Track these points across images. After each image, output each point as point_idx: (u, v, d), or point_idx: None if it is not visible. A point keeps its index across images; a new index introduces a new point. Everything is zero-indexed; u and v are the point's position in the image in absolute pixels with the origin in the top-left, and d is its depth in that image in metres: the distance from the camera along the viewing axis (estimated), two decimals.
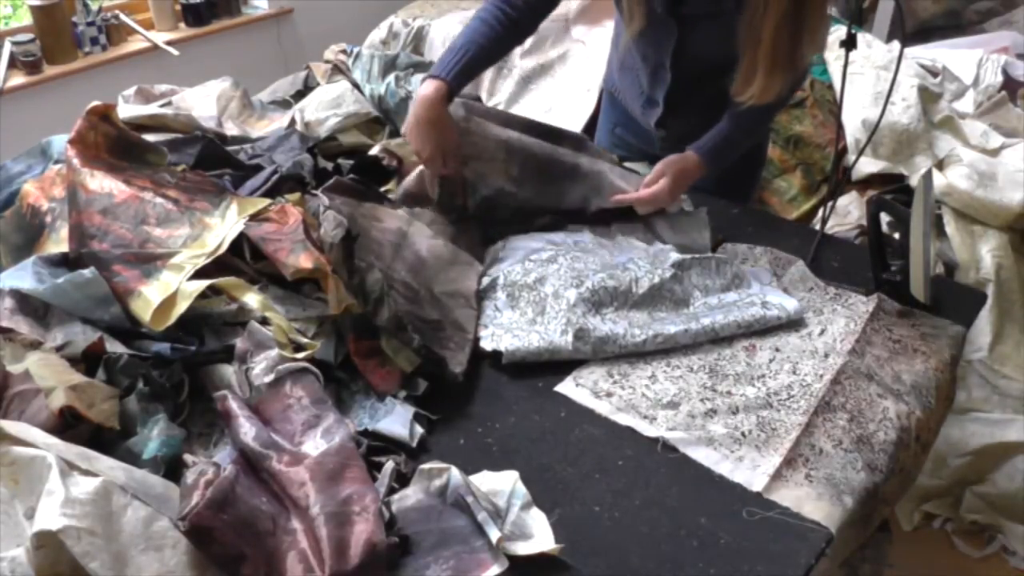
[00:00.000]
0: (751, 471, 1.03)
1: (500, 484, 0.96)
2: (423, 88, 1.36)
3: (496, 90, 2.70)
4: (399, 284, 1.25)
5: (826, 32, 1.31)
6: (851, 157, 2.03)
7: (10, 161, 1.42)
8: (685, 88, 1.52)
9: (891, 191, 1.32)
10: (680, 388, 1.15)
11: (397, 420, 1.06)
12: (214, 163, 1.45)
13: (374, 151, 1.62)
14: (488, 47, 1.42)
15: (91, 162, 1.23)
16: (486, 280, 1.32)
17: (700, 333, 1.21)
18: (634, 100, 1.64)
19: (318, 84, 1.96)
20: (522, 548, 0.90)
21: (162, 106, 1.76)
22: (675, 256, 1.33)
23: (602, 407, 1.12)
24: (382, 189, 1.54)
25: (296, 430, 1.00)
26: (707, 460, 1.04)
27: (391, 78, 1.86)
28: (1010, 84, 2.32)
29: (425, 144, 1.36)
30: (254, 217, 1.23)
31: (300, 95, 1.93)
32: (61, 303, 1.09)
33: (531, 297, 1.26)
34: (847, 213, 2.03)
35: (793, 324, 1.27)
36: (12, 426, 0.87)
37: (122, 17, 2.77)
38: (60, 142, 1.37)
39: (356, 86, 1.90)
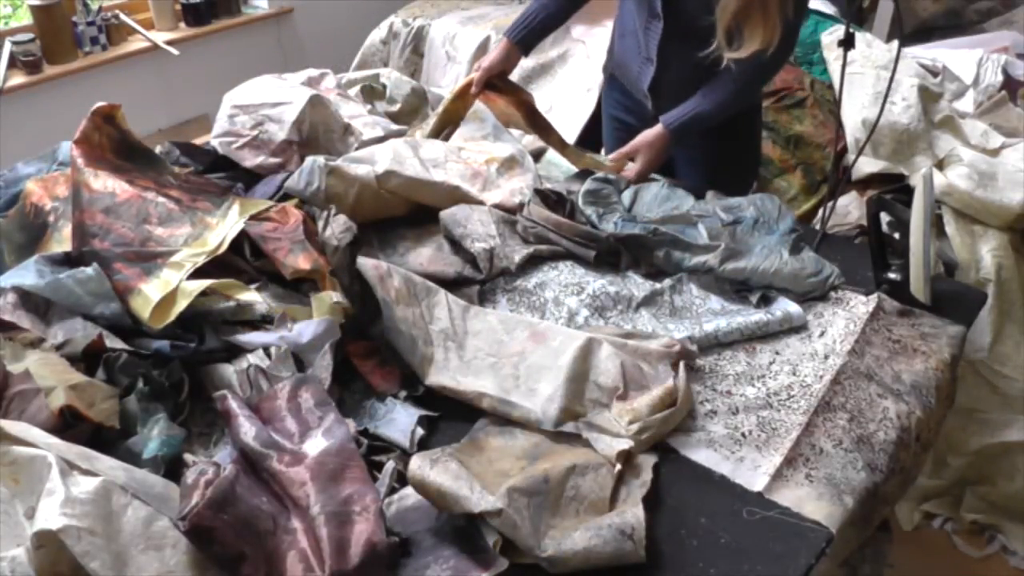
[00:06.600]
0: (751, 471, 1.03)
1: None
2: (496, 48, 1.67)
3: None
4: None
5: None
6: (851, 157, 2.03)
7: (20, 164, 1.42)
8: (675, 41, 1.56)
9: (891, 191, 1.31)
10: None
11: (398, 426, 1.06)
12: (224, 170, 1.47)
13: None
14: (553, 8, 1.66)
15: (95, 162, 1.23)
16: (487, 284, 1.31)
17: (703, 339, 1.21)
18: (633, 63, 1.69)
19: None
20: None
21: None
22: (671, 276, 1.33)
23: None
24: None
25: (296, 430, 1.00)
26: (707, 461, 1.04)
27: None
28: (1010, 84, 2.31)
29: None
30: (255, 217, 1.23)
31: None
32: (61, 298, 1.09)
33: (531, 302, 1.26)
34: (847, 213, 2.03)
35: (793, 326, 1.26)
36: (12, 426, 0.87)
37: (122, 17, 2.76)
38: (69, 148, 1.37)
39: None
